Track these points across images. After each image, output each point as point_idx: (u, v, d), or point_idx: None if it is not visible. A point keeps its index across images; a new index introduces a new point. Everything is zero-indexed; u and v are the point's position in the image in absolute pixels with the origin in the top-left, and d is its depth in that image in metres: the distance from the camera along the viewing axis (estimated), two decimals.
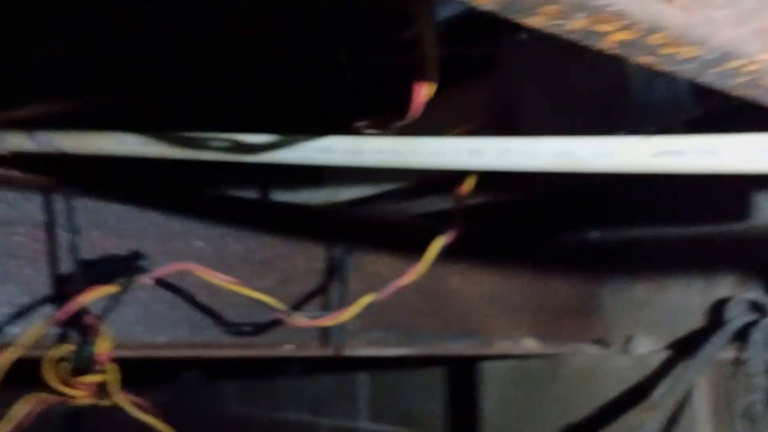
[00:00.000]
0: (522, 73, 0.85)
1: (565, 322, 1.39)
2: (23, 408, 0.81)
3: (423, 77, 0.51)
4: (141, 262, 0.94)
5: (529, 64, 0.84)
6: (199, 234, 1.06)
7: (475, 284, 1.29)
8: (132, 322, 0.99)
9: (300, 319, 0.99)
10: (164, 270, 0.94)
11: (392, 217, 1.18)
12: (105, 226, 0.99)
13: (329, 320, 1.00)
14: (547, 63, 0.84)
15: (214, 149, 0.76)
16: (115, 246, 0.99)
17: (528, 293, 1.35)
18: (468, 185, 0.91)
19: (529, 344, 1.32)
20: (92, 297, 0.88)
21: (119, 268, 0.93)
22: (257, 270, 1.10)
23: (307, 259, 1.14)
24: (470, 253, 1.27)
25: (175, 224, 1.04)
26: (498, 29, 0.84)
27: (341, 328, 1.09)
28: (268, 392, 2.30)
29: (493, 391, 1.47)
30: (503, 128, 0.90)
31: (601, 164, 0.59)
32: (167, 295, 1.03)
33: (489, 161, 0.61)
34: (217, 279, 0.98)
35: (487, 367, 1.50)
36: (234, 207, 1.07)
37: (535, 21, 0.39)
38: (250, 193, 1.30)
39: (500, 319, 1.31)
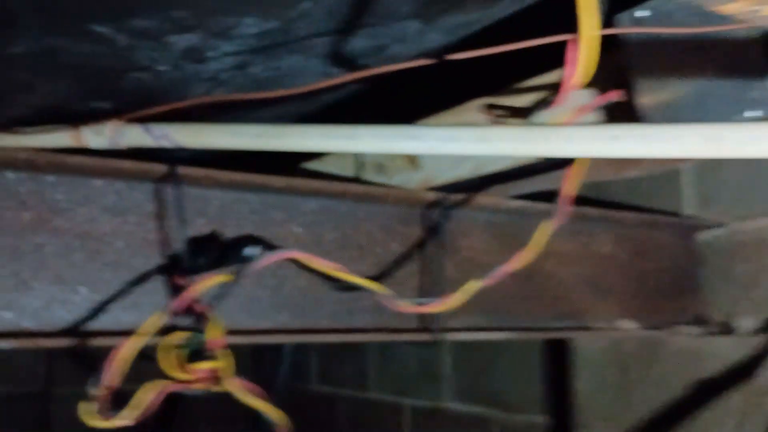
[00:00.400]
0: (640, 50, 0.82)
1: (664, 303, 1.35)
2: (147, 394, 0.82)
3: (578, 63, 0.48)
4: (248, 250, 0.95)
5: (648, 41, 0.81)
6: (296, 220, 1.06)
7: (570, 266, 1.26)
8: (236, 309, 1.01)
9: (405, 305, 0.98)
10: (271, 258, 0.95)
11: (488, 200, 1.16)
12: (209, 214, 1.00)
13: (435, 307, 0.99)
14: (666, 41, 0.81)
15: (327, 139, 0.76)
16: (219, 234, 1.00)
17: (625, 274, 1.31)
18: (579, 168, 0.88)
19: (627, 325, 1.29)
20: (205, 286, 0.89)
21: (228, 256, 0.94)
22: (353, 255, 1.10)
23: (402, 244, 1.14)
24: (565, 234, 1.24)
25: (273, 211, 1.05)
26: (617, 6, 0.81)
27: (440, 314, 1.08)
28: (351, 371, 2.32)
29: (588, 371, 1.45)
30: (619, 105, 0.86)
31: (752, 150, 0.55)
32: (269, 281, 1.04)
33: (627, 148, 0.59)
34: (321, 265, 0.98)
35: (580, 347, 1.48)
36: (329, 192, 1.07)
37: (730, 8, 0.37)
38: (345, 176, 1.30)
39: (597, 301, 1.28)
